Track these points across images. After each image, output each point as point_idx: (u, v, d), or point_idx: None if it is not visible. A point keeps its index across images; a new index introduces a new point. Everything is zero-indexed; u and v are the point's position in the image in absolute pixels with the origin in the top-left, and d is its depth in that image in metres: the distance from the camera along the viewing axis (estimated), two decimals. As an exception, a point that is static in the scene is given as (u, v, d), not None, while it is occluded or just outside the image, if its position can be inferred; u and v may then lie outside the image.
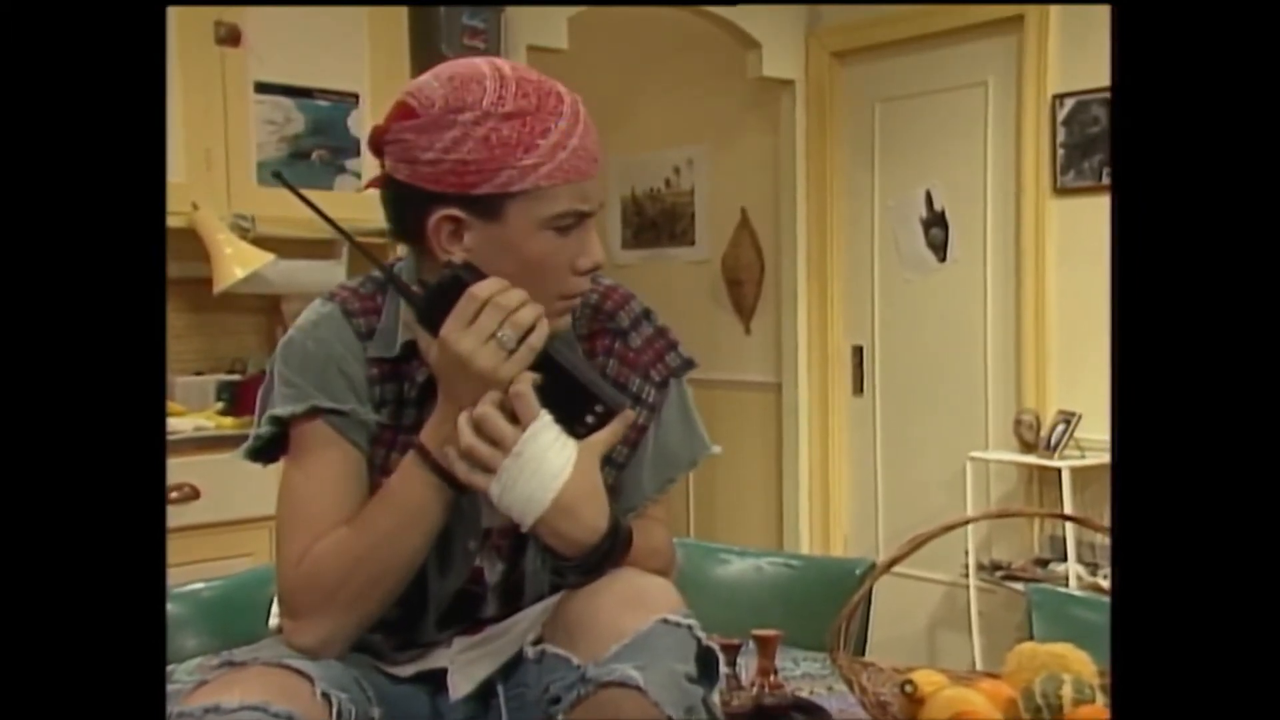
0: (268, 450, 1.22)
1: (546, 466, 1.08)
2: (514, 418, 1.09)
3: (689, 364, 1.29)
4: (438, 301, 1.11)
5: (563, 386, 1.11)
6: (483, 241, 1.13)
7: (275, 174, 1.22)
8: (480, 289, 1.10)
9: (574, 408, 1.12)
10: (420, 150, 1.12)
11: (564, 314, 1.19)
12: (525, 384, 1.10)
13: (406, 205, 1.15)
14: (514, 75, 1.13)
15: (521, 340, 1.09)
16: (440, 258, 1.14)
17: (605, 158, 1.20)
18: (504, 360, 1.09)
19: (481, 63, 1.15)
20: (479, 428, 1.09)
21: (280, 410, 1.18)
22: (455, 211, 1.12)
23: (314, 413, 1.17)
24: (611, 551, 1.12)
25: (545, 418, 1.10)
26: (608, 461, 1.23)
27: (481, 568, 1.23)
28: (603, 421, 1.12)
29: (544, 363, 1.11)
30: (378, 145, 1.16)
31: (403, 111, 1.14)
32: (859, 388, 4.11)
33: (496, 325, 1.09)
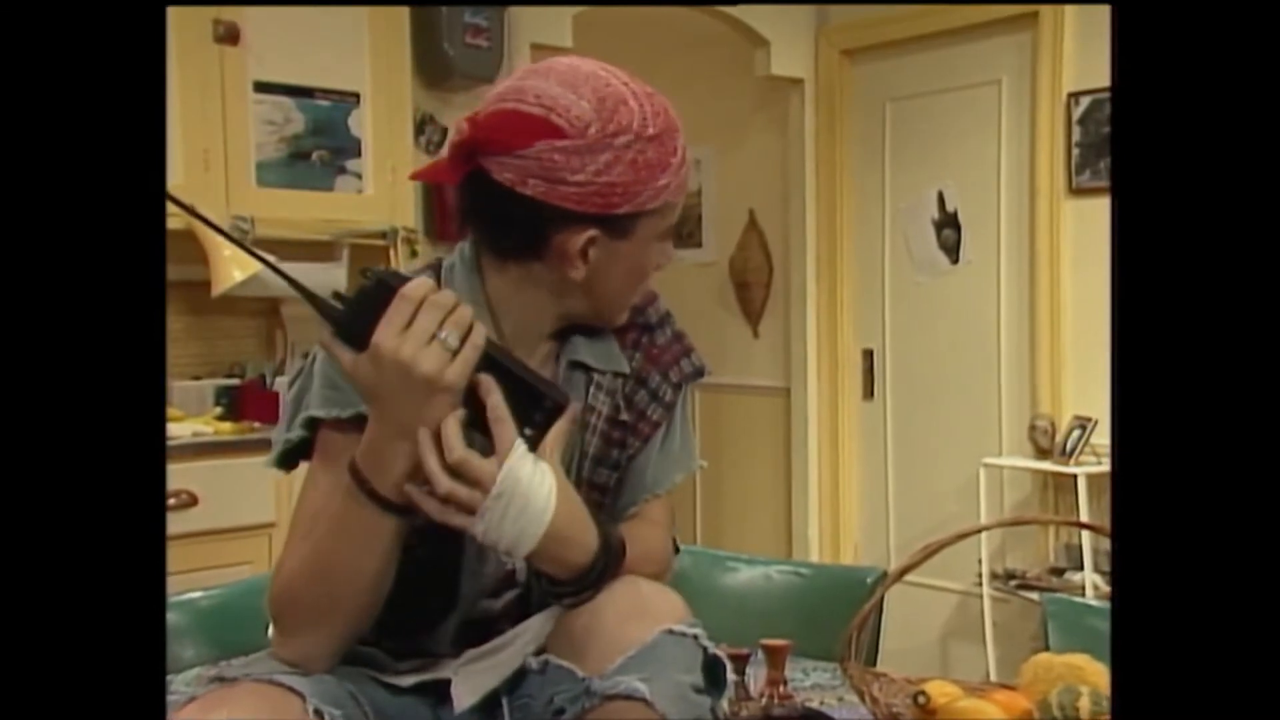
0: (297, 455, 1.20)
1: (533, 502, 1.06)
2: (480, 435, 1.07)
3: (700, 372, 1.31)
4: (363, 312, 1.04)
5: (506, 388, 1.08)
6: (604, 255, 1.16)
7: (171, 199, 1.03)
8: (412, 290, 1.04)
9: (520, 409, 1.08)
10: (569, 172, 1.11)
11: None
12: (503, 406, 1.06)
13: (528, 221, 1.13)
14: (643, 91, 1.15)
15: (464, 340, 1.05)
16: (569, 275, 1.16)
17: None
18: (448, 363, 1.04)
19: (608, 76, 1.14)
20: (457, 473, 1.05)
21: (320, 412, 1.15)
22: (596, 232, 1.14)
23: (359, 420, 1.13)
24: (606, 567, 1.12)
25: (520, 446, 1.06)
26: (620, 447, 1.24)
27: (513, 570, 1.23)
28: (550, 418, 1.09)
29: (485, 364, 1.07)
30: (504, 155, 1.12)
31: (547, 129, 1.11)
32: (869, 392, 4.11)
33: (436, 325, 1.03)
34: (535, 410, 1.09)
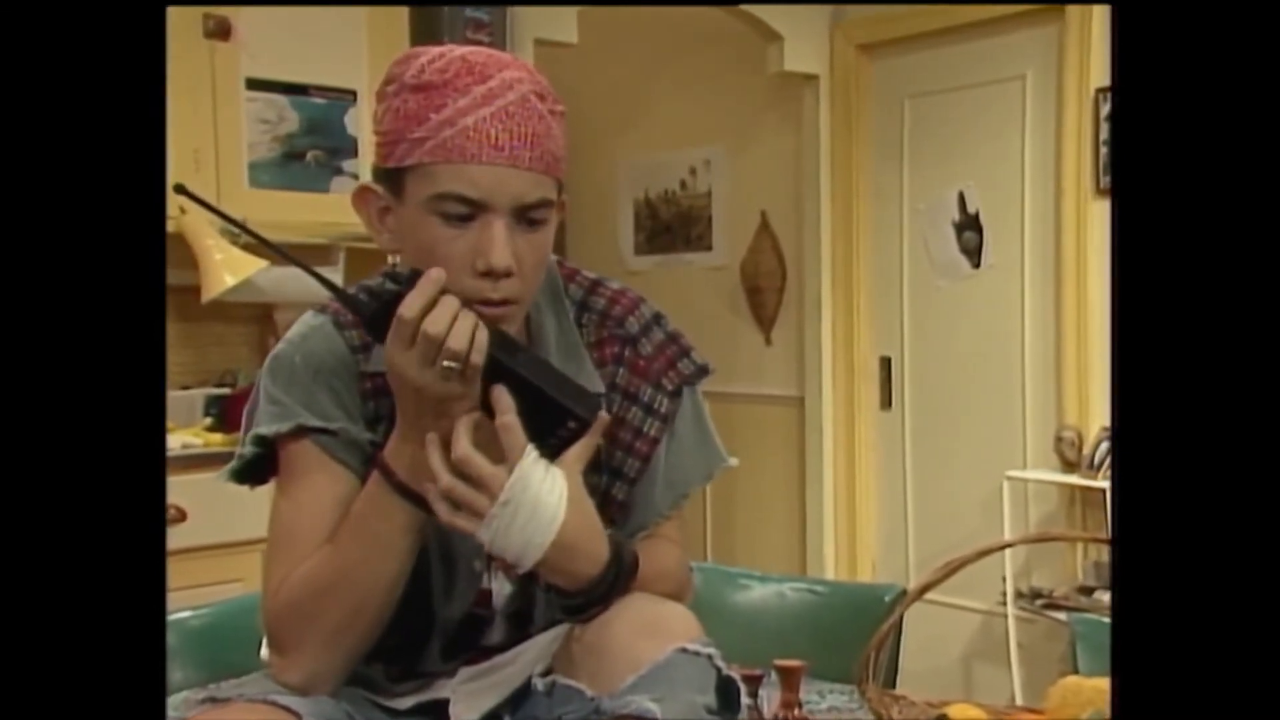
0: (254, 471, 1.22)
1: (541, 511, 1.08)
2: (493, 443, 1.08)
3: (703, 371, 1.30)
4: (386, 313, 1.09)
5: (529, 402, 1.10)
6: (397, 222, 1.17)
7: (178, 187, 1.13)
8: (407, 309, 1.07)
9: (543, 424, 1.10)
10: (375, 124, 1.17)
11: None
12: (511, 413, 1.08)
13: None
14: (458, 54, 1.14)
15: (467, 359, 1.07)
16: (374, 237, 1.20)
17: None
18: (456, 383, 1.08)
19: (458, 46, 1.18)
20: (460, 469, 1.08)
21: (265, 429, 1.19)
22: (372, 184, 1.18)
23: (300, 432, 1.17)
24: (617, 580, 1.13)
25: (531, 453, 1.08)
26: (618, 476, 1.24)
27: (489, 590, 1.24)
28: (576, 435, 1.11)
29: (505, 376, 1.09)
30: None
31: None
32: (887, 402, 4.12)
33: (435, 353, 1.06)
34: (559, 427, 1.11)
